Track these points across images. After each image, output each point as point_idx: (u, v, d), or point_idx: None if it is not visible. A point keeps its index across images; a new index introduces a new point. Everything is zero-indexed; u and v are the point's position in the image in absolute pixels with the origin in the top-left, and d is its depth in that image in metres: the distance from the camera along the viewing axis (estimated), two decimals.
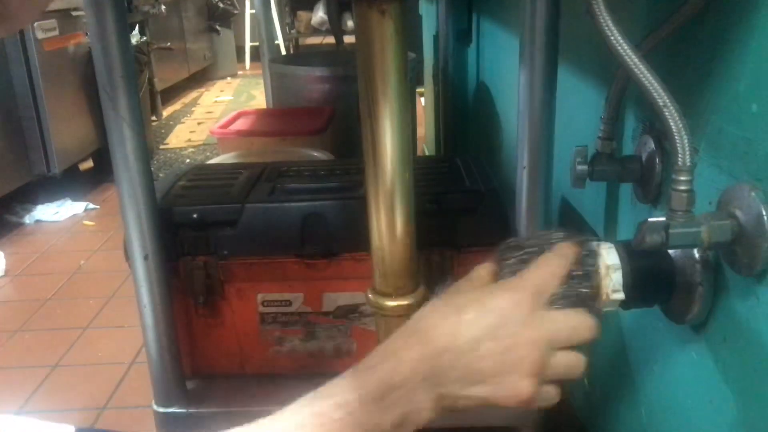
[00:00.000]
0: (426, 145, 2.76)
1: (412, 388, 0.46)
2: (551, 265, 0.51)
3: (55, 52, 2.46)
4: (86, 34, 2.64)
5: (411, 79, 2.23)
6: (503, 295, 0.49)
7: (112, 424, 1.33)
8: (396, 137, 0.58)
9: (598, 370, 0.93)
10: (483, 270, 0.54)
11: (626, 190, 0.76)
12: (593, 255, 0.54)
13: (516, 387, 0.47)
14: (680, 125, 0.49)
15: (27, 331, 1.70)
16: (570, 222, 1.00)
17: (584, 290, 0.52)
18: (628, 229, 0.77)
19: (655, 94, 0.49)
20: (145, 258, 0.92)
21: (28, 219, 2.42)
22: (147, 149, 0.90)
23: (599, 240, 0.58)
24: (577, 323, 0.50)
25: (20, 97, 2.35)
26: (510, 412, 0.95)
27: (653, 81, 0.49)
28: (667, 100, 0.49)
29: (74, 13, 2.56)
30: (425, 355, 0.47)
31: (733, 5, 0.51)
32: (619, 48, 0.49)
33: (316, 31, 5.34)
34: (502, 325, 0.48)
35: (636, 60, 0.49)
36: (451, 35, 1.94)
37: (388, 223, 0.61)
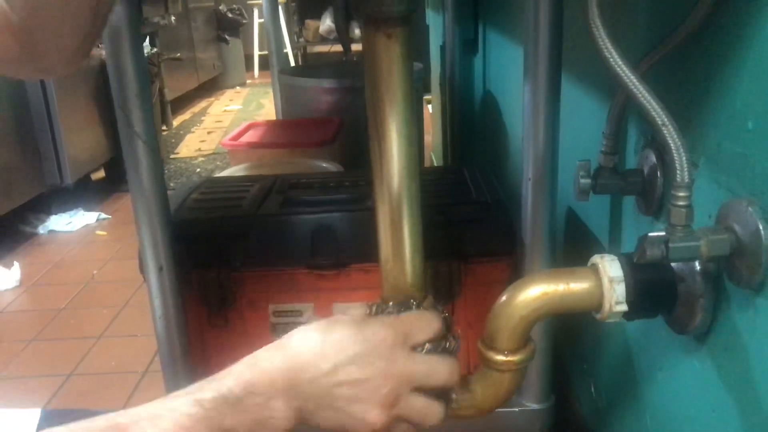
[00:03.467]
0: (433, 153, 2.78)
1: (270, 397, 0.48)
2: (427, 315, 0.56)
3: None
4: (98, 46, 2.68)
5: (418, 88, 2.26)
6: (373, 328, 0.52)
7: None
8: (403, 154, 0.60)
9: (605, 378, 0.94)
10: (359, 308, 0.58)
11: (630, 201, 0.78)
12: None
13: (366, 415, 0.49)
14: (678, 143, 0.50)
15: (41, 340, 1.73)
16: (576, 233, 1.02)
17: (450, 345, 0.57)
18: (632, 240, 0.78)
19: (653, 113, 0.51)
20: (160, 270, 0.94)
21: (41, 229, 2.46)
22: (161, 163, 0.92)
23: (607, 251, 0.60)
24: (436, 366, 0.53)
25: (34, 109, 2.39)
26: (516, 420, 0.97)
27: (652, 101, 0.51)
28: (666, 119, 0.50)
29: None
30: (286, 367, 0.49)
31: (729, 25, 0.53)
32: (618, 70, 0.51)
33: (324, 39, 5.38)
34: (365, 355, 0.50)
35: (635, 81, 0.51)
36: (457, 45, 1.96)
37: (396, 235, 0.62)
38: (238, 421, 0.47)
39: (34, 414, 0.58)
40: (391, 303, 0.60)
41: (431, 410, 0.53)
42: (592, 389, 0.99)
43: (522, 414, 0.96)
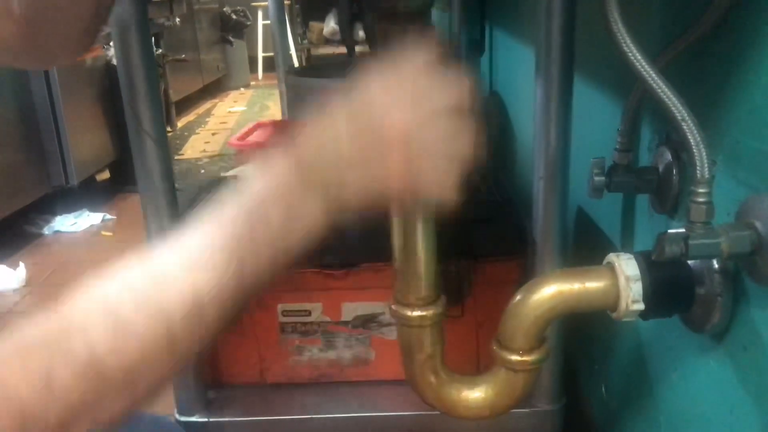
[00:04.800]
0: None
1: (283, 194, 0.43)
2: (423, 43, 0.45)
3: (73, 66, 2.50)
4: (104, 47, 2.68)
5: None
6: (363, 82, 0.44)
7: None
8: None
9: (616, 379, 0.94)
10: None
11: (643, 200, 0.77)
12: None
13: (392, 161, 0.42)
14: (698, 138, 0.50)
15: None
16: (587, 232, 1.01)
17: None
18: (645, 240, 0.78)
19: (673, 108, 0.50)
20: None
21: (47, 230, 2.45)
22: (170, 161, 0.92)
23: (618, 250, 0.59)
24: (449, 85, 0.43)
25: (39, 110, 2.38)
26: (527, 422, 0.96)
27: (671, 95, 0.50)
28: (685, 114, 0.50)
29: None
30: (288, 157, 0.44)
31: (749, 19, 0.52)
32: (637, 64, 0.50)
33: (327, 41, 5.38)
34: (360, 105, 0.43)
35: (653, 75, 0.50)
36: (464, 45, 1.95)
37: (410, 234, 0.62)
38: (265, 227, 0.42)
39: None
40: None
41: (459, 132, 0.43)
42: (603, 390, 0.98)
43: (533, 415, 0.96)
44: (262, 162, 0.45)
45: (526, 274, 0.91)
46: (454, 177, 0.44)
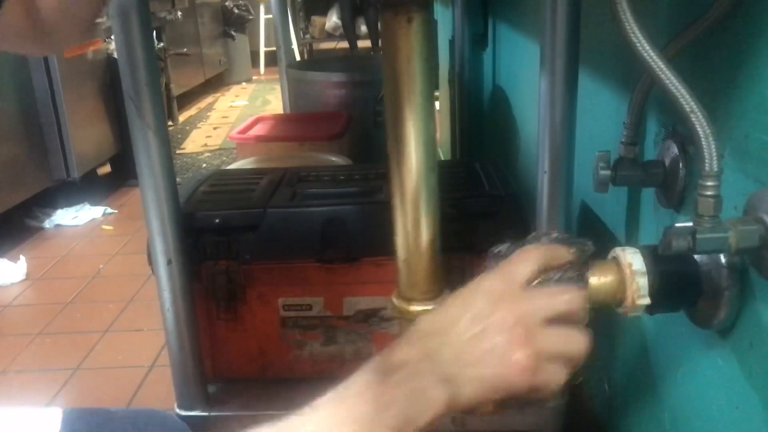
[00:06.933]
0: (441, 149, 2.77)
1: (414, 366, 0.47)
2: (528, 253, 0.53)
3: (74, 59, 2.49)
4: (105, 40, 2.67)
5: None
6: (478, 282, 0.51)
7: None
8: (421, 143, 0.59)
9: (620, 375, 0.93)
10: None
11: (648, 194, 0.76)
12: (584, 259, 0.55)
13: (510, 360, 0.47)
14: (707, 131, 0.49)
15: (48, 334, 1.72)
16: (591, 227, 1.00)
17: (570, 275, 0.53)
18: (650, 234, 0.77)
19: (681, 100, 0.49)
20: (169, 263, 0.93)
21: (48, 223, 2.45)
22: (170, 154, 0.91)
23: (623, 245, 0.58)
24: (556, 296, 0.50)
25: (41, 104, 2.38)
26: (530, 417, 0.95)
27: (680, 87, 0.49)
28: (694, 106, 0.49)
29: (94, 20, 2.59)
30: (414, 339, 0.49)
31: (758, 10, 0.51)
32: (645, 54, 0.50)
33: (330, 35, 5.37)
34: (482, 306, 0.49)
35: (662, 66, 0.49)
36: (467, 39, 1.94)
37: (414, 229, 0.61)
38: (395, 395, 0.46)
39: (56, 413, 0.57)
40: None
41: (571, 338, 0.50)
42: (606, 386, 0.98)
43: (535, 411, 0.95)
44: (384, 362, 0.48)
45: None
46: (564, 377, 0.49)
